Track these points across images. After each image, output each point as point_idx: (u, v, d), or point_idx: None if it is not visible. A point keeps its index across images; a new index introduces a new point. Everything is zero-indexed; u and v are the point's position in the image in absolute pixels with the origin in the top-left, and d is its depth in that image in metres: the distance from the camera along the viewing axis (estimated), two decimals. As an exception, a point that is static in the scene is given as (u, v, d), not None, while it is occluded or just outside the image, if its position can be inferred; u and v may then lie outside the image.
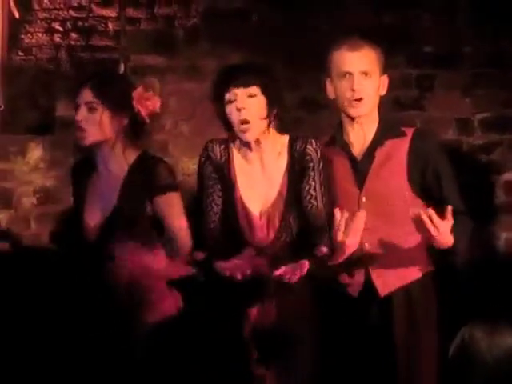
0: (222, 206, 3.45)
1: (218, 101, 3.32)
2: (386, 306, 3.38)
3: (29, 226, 4.59)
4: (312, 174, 3.42)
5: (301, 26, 4.63)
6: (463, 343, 2.25)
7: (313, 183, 3.44)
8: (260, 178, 3.43)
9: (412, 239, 3.35)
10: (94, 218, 3.51)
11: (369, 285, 3.42)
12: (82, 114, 3.37)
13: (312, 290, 3.42)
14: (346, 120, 3.36)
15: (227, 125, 3.31)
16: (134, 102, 3.44)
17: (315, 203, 3.41)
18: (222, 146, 3.46)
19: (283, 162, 3.40)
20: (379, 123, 3.38)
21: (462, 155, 4.57)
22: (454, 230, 3.24)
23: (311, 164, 3.40)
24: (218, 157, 3.48)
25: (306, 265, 3.19)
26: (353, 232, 3.29)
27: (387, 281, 3.35)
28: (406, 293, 3.40)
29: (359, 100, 3.30)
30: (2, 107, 4.94)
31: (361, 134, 3.38)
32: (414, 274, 3.39)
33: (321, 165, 3.40)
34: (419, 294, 3.40)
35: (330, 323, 3.43)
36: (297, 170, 3.40)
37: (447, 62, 4.55)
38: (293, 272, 3.15)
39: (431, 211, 3.15)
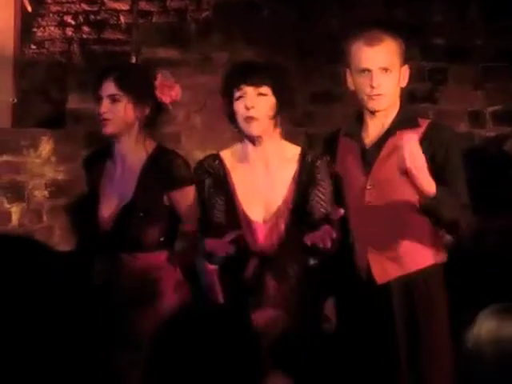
0: (224, 217, 3.50)
1: (227, 95, 3.38)
2: (387, 294, 3.39)
3: (41, 219, 4.59)
4: (323, 184, 3.46)
5: (312, 20, 4.65)
6: (479, 327, 2.17)
7: (322, 196, 3.47)
8: (263, 184, 3.48)
9: (417, 229, 3.37)
10: (109, 208, 3.55)
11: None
12: (106, 105, 3.43)
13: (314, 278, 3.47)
14: (366, 112, 3.39)
15: (232, 119, 3.37)
16: (157, 92, 3.49)
17: (326, 214, 3.44)
18: (217, 161, 3.50)
19: (291, 170, 3.45)
20: (397, 114, 3.40)
21: (474, 147, 4.53)
22: (443, 199, 3.24)
23: (320, 176, 3.43)
24: (217, 171, 3.52)
25: (328, 228, 3.22)
26: None
27: (386, 268, 3.38)
28: (406, 282, 3.40)
29: (378, 95, 3.32)
30: (15, 100, 4.96)
31: (379, 124, 3.41)
32: (417, 263, 3.40)
33: (330, 179, 3.45)
34: (423, 284, 3.41)
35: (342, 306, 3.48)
36: (304, 180, 3.44)
37: (459, 56, 4.55)
38: (322, 238, 3.18)
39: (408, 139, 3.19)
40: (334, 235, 3.23)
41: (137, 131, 3.55)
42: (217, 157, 3.50)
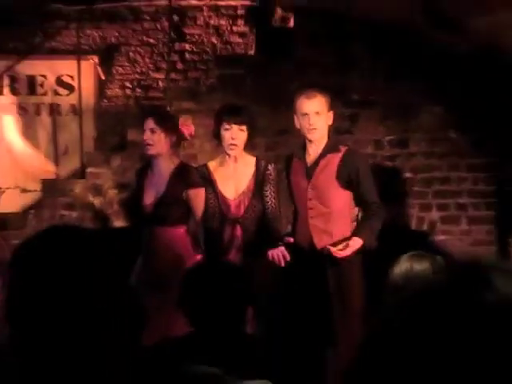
0: (214, 200, 4.04)
1: (217, 125, 3.97)
2: (322, 259, 3.90)
3: (112, 207, 5.49)
4: (270, 185, 4.05)
5: (278, 83, 5.46)
6: (399, 265, 2.62)
7: (271, 193, 4.07)
8: (233, 177, 4.07)
9: (340, 214, 3.98)
10: (149, 198, 4.13)
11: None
12: (148, 135, 4.03)
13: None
14: (307, 141, 4.04)
15: (219, 141, 4.01)
16: (180, 127, 4.14)
17: (272, 205, 4.08)
18: (204, 168, 4.11)
19: (251, 170, 4.08)
20: (326, 144, 4.01)
21: (377, 163, 5.41)
22: (364, 228, 3.85)
23: (270, 177, 4.04)
24: (203, 174, 4.10)
25: (283, 250, 3.78)
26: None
27: (322, 238, 3.97)
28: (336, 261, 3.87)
29: (314, 129, 3.95)
30: (95, 135, 6.06)
31: (315, 149, 4.02)
32: (341, 235, 3.95)
33: (275, 180, 4.06)
34: (346, 259, 3.87)
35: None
36: (259, 177, 4.06)
37: (367, 105, 5.54)
38: (278, 257, 3.75)
39: (337, 250, 3.76)
40: (288, 258, 3.74)
41: (167, 152, 4.06)
42: (204, 165, 4.15)
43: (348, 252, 3.77)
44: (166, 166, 4.06)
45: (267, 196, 4.03)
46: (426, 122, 5.55)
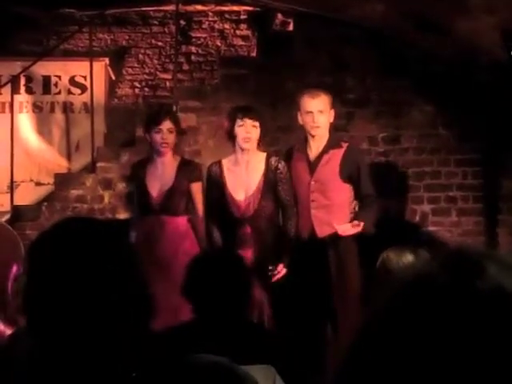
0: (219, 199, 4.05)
1: (231, 124, 4.06)
2: (324, 247, 4.05)
3: (121, 199, 5.59)
4: (282, 184, 4.12)
5: (279, 82, 5.61)
6: (383, 260, 2.66)
7: (284, 191, 4.13)
8: (244, 177, 4.07)
9: (340, 207, 4.10)
10: (155, 191, 4.27)
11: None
12: (166, 135, 4.18)
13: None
14: (309, 137, 4.16)
15: (231, 137, 4.09)
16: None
17: (287, 203, 4.15)
18: (217, 166, 4.18)
19: (261, 167, 4.10)
20: (328, 139, 4.16)
21: (372, 159, 5.59)
22: (362, 216, 3.94)
23: (282, 176, 4.08)
24: (215, 172, 4.17)
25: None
26: None
27: (323, 228, 4.10)
28: (335, 242, 4.02)
29: (317, 127, 4.09)
30: (106, 131, 6.14)
31: (317, 145, 4.14)
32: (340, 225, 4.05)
33: (286, 177, 4.11)
34: (344, 242, 4.02)
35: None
36: (271, 176, 4.08)
37: (362, 104, 5.70)
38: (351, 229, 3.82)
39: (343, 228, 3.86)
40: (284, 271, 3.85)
41: (173, 149, 4.29)
42: (218, 163, 4.22)
43: (352, 231, 3.91)
44: (171, 161, 4.26)
45: (281, 195, 4.08)
46: (416, 119, 5.67)
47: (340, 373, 0.74)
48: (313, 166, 4.10)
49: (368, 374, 0.71)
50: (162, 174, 4.22)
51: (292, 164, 4.18)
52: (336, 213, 4.08)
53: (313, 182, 4.08)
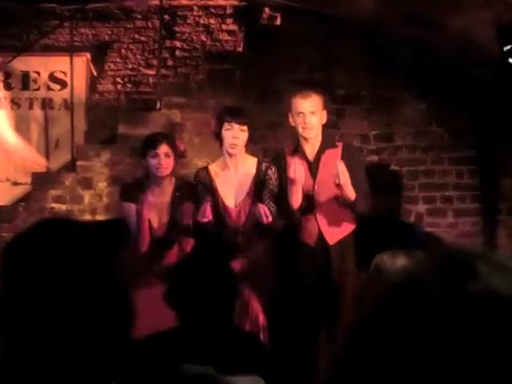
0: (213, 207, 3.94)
1: (219, 126, 3.99)
2: (328, 254, 3.97)
3: (101, 199, 5.52)
4: (270, 189, 4.05)
5: (266, 79, 5.59)
6: (376, 264, 2.69)
7: (269, 201, 4.05)
8: (234, 182, 4.01)
9: (343, 210, 4.05)
10: (155, 223, 4.15)
11: (320, 237, 3.98)
12: (163, 160, 4.08)
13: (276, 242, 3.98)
14: (302, 138, 4.08)
15: (219, 139, 4.04)
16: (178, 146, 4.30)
17: (273, 205, 4.07)
18: (205, 172, 4.10)
19: (251, 173, 4.04)
20: (322, 139, 4.08)
21: (364, 157, 5.40)
22: (358, 201, 3.94)
23: (270, 182, 4.04)
24: (204, 178, 4.10)
25: (263, 206, 3.75)
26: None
27: (333, 232, 4.01)
28: (339, 245, 4.01)
29: (309, 128, 4.01)
30: (86, 128, 6.04)
31: (311, 146, 4.09)
32: (348, 228, 4.09)
33: (274, 185, 4.05)
34: (347, 244, 4.02)
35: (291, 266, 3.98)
36: (259, 182, 4.03)
37: (353, 101, 5.62)
38: (260, 214, 3.75)
39: (340, 164, 3.79)
40: (270, 219, 3.76)
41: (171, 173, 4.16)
42: (205, 168, 4.15)
43: (346, 181, 3.83)
44: (168, 184, 4.20)
45: (265, 201, 4.00)
46: (409, 116, 5.60)
47: (332, 375, 0.76)
48: (313, 168, 4.06)
49: (359, 376, 0.72)
50: (161, 194, 4.19)
51: (288, 167, 4.03)
52: (340, 213, 4.04)
53: (316, 186, 4.05)
